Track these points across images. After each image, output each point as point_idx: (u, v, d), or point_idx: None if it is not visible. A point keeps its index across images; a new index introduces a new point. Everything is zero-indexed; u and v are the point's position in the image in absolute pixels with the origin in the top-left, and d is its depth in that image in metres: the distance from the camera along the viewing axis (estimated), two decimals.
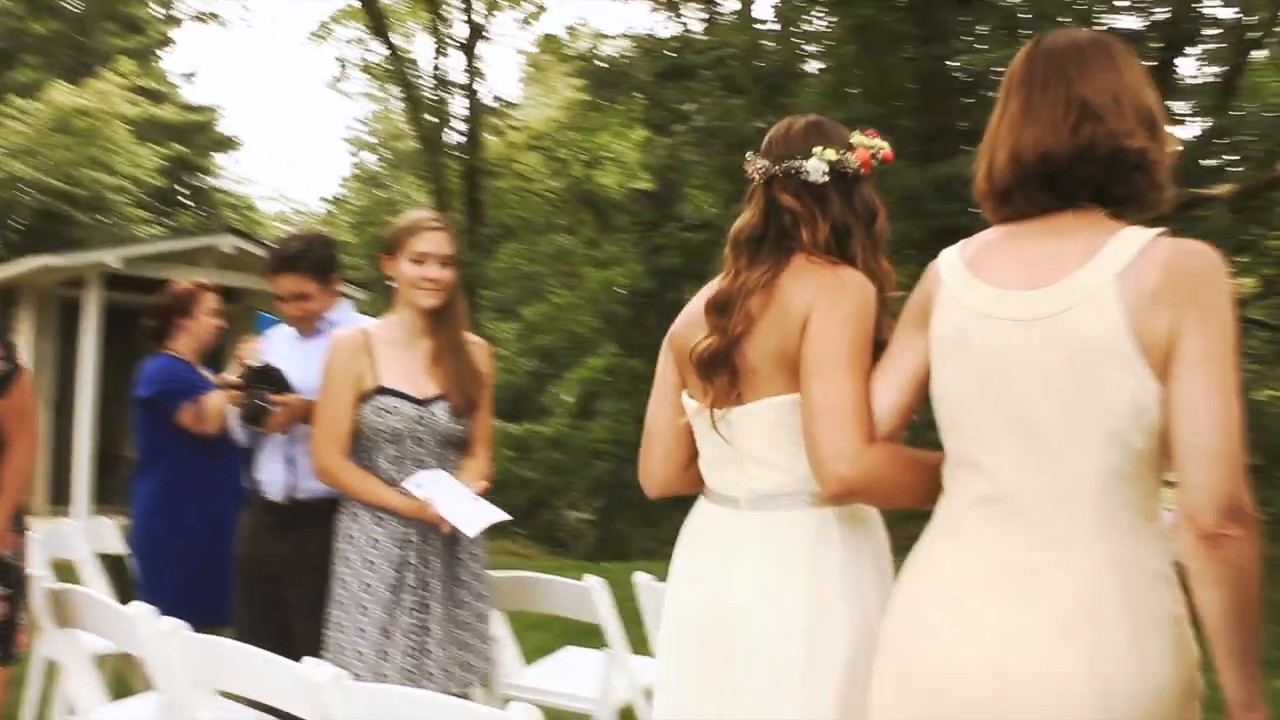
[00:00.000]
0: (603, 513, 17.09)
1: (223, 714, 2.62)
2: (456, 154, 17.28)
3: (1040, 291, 1.57)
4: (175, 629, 2.55)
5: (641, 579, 3.43)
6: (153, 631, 2.57)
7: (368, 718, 2.21)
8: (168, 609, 2.71)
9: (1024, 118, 1.64)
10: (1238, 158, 9.36)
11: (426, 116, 17.68)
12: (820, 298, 1.87)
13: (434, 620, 2.92)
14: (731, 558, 1.96)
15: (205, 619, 3.09)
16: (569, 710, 3.71)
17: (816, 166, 1.95)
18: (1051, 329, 1.55)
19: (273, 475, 3.26)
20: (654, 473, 2.17)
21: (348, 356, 2.92)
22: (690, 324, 2.06)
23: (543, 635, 5.26)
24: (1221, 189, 6.06)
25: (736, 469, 1.99)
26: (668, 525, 18.17)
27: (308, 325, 3.38)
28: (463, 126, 17.89)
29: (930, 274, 1.76)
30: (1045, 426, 1.56)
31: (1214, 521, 1.45)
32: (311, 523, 3.18)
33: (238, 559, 3.35)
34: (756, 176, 2.02)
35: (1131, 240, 1.53)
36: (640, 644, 3.95)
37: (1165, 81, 9.28)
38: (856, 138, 2.00)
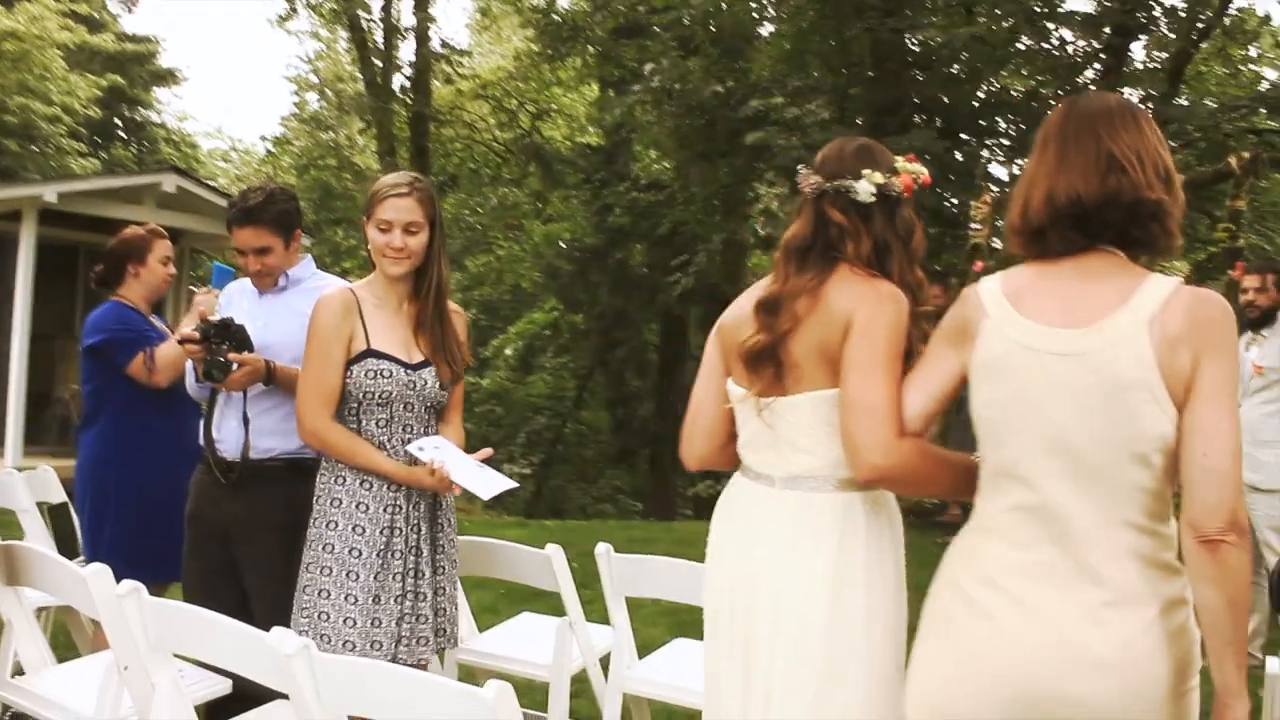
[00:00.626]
0: (540, 468, 17.12)
1: (179, 676, 2.58)
2: (404, 99, 16.97)
3: (1079, 330, 1.80)
4: (132, 591, 2.50)
5: (601, 549, 3.45)
6: (109, 594, 2.51)
7: (334, 689, 2.20)
8: (111, 561, 2.67)
9: (1059, 166, 1.86)
10: (1174, 145, 9.55)
11: (374, 60, 17.32)
12: (862, 306, 2.10)
13: (425, 585, 2.93)
14: (765, 529, 2.19)
15: (150, 574, 3.03)
16: (523, 676, 3.73)
17: (865, 188, 2.18)
18: (1090, 364, 1.78)
19: (228, 434, 3.20)
20: (696, 448, 2.39)
21: (339, 317, 2.86)
22: (739, 319, 2.28)
23: (482, 595, 5.28)
24: None
25: (774, 451, 2.20)
26: (604, 482, 18.25)
27: (268, 280, 3.31)
28: (410, 72, 17.59)
29: (970, 301, 1.96)
30: (1082, 447, 1.79)
31: (1216, 531, 1.69)
32: (266, 483, 3.16)
33: (188, 516, 3.29)
34: (809, 191, 2.23)
35: (1159, 288, 1.78)
36: (590, 609, 3.99)
37: (1117, 68, 9.40)
38: (900, 164, 2.23)
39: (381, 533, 2.86)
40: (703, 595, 2.37)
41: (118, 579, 2.53)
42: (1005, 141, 9.17)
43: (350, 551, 2.83)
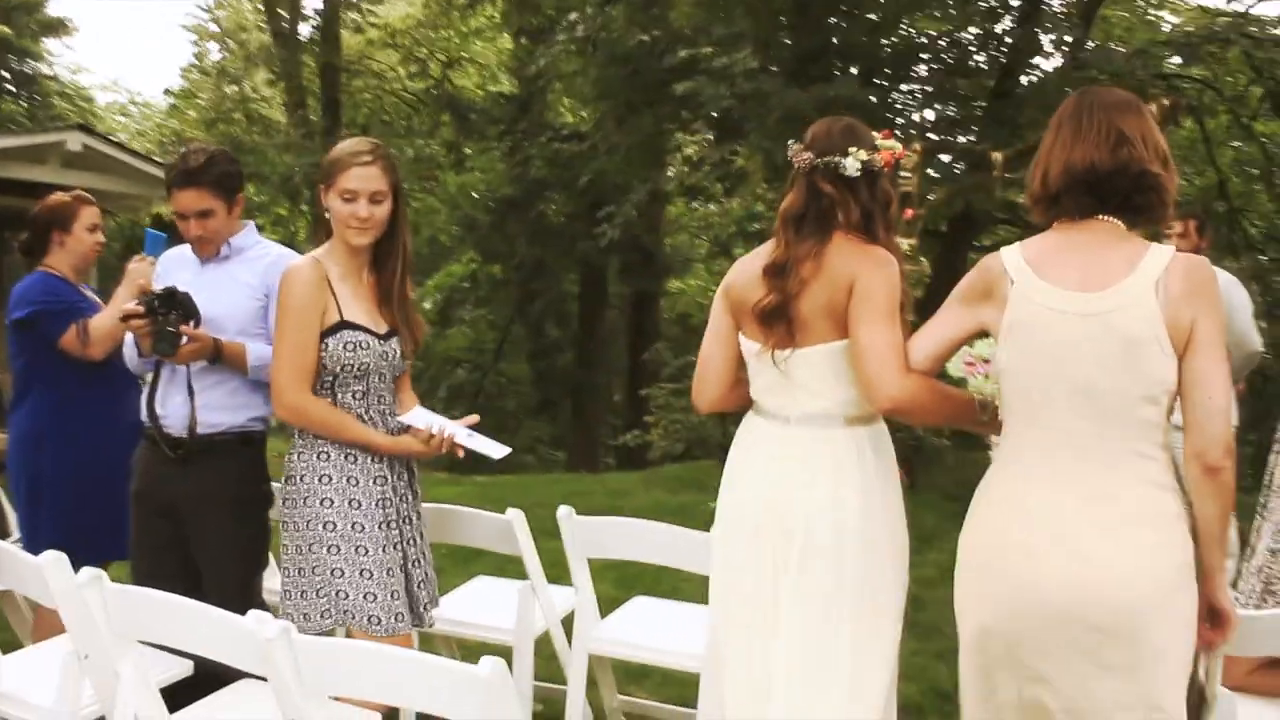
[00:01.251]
0: None
1: (144, 661, 2.51)
2: (312, 49, 16.44)
3: (1096, 294, 2.13)
4: (93, 580, 2.41)
5: (563, 511, 3.43)
6: (69, 584, 2.42)
7: (318, 671, 2.15)
8: (50, 541, 2.60)
9: (1074, 140, 2.18)
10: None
11: (280, 9, 16.71)
12: (863, 269, 2.43)
13: (416, 552, 2.93)
14: (788, 460, 2.52)
15: (90, 553, 2.93)
16: (483, 641, 3.71)
17: (852, 164, 2.49)
18: (1108, 323, 2.11)
19: (174, 409, 3.09)
20: (708, 393, 2.72)
21: (314, 288, 2.77)
22: (745, 280, 2.60)
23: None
24: None
25: (788, 395, 2.54)
26: (525, 434, 18.19)
27: (209, 247, 3.19)
28: (318, 21, 17.03)
29: (994, 268, 2.27)
30: (1102, 392, 2.12)
31: (1217, 459, 2.08)
32: (216, 458, 3.08)
33: (134, 494, 3.19)
34: (801, 165, 2.53)
35: (1160, 256, 2.12)
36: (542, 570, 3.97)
37: (1033, 13, 9.51)
38: (879, 141, 2.54)
39: (376, 505, 2.81)
40: (720, 512, 2.70)
41: None
42: (927, 88, 9.23)
43: (354, 527, 2.77)
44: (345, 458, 2.79)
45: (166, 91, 21.17)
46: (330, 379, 2.80)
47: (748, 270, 2.61)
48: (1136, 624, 2.08)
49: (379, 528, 2.79)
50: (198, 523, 3.08)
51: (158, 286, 3.05)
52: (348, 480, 2.78)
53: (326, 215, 2.84)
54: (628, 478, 9.30)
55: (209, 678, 2.72)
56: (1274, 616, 2.78)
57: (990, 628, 2.22)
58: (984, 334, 2.38)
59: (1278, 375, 7.33)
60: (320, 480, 2.79)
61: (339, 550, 2.76)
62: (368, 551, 2.77)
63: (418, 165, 15.66)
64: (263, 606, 3.12)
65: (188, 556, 3.10)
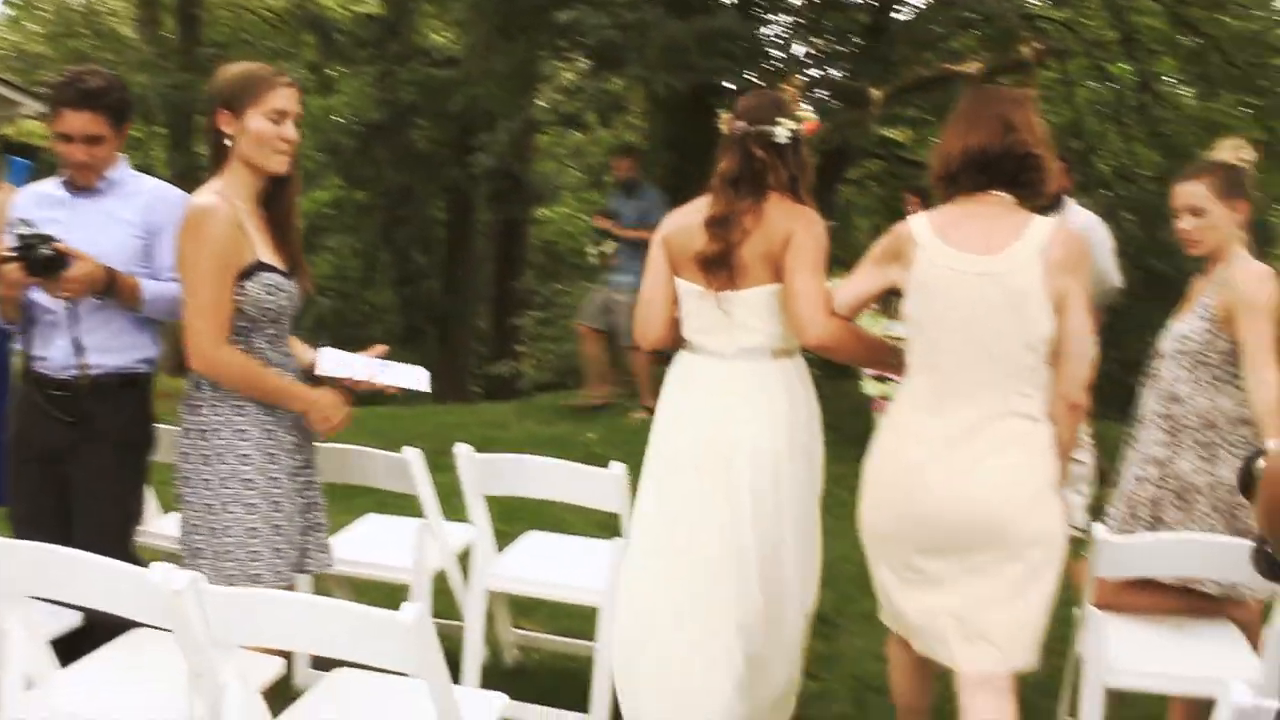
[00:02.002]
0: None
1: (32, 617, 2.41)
2: None
3: (990, 257, 2.53)
4: None
5: (461, 449, 3.41)
6: None
7: (229, 622, 2.10)
8: None
9: (970, 129, 2.61)
10: (945, 32, 9.97)
11: None
12: (798, 224, 2.82)
13: (315, 494, 2.87)
14: (725, 388, 2.88)
15: None
16: (380, 580, 3.67)
17: (782, 132, 2.84)
18: (998, 282, 2.52)
19: (56, 351, 2.94)
20: (651, 332, 3.06)
21: (230, 229, 2.58)
22: (681, 230, 2.96)
23: None
24: (970, 66, 6.42)
25: (726, 333, 2.89)
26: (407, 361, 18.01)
27: (89, 176, 3.00)
28: None
29: (903, 234, 2.67)
30: (991, 340, 2.54)
31: (1078, 396, 2.57)
32: (100, 401, 2.96)
33: (12, 440, 3.04)
34: (735, 133, 2.88)
35: (1043, 227, 2.56)
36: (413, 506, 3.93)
37: None
38: (800, 112, 2.90)
39: (289, 454, 2.72)
40: (658, 447, 3.01)
41: None
42: (801, 21, 9.25)
43: (272, 482, 2.67)
44: (262, 410, 2.68)
45: (5, 2, 19.69)
46: (247, 325, 2.66)
47: (684, 222, 2.97)
48: (1006, 530, 2.54)
49: (289, 478, 2.71)
50: (79, 467, 2.96)
51: (16, 219, 2.85)
52: (265, 433, 2.68)
53: (228, 142, 2.65)
54: (501, 409, 9.25)
55: (100, 627, 2.65)
56: (1138, 541, 2.97)
57: (886, 533, 2.68)
58: (895, 293, 2.76)
59: (1126, 309, 7.71)
60: (237, 435, 2.66)
61: (258, 509, 2.65)
62: (280, 507, 2.69)
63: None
64: (135, 556, 3.04)
65: (64, 502, 2.98)
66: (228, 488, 2.64)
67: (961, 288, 2.53)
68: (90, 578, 2.22)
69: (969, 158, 2.58)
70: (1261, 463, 1.52)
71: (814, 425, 3.00)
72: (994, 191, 2.60)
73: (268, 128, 2.63)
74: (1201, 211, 3.10)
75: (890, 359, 2.88)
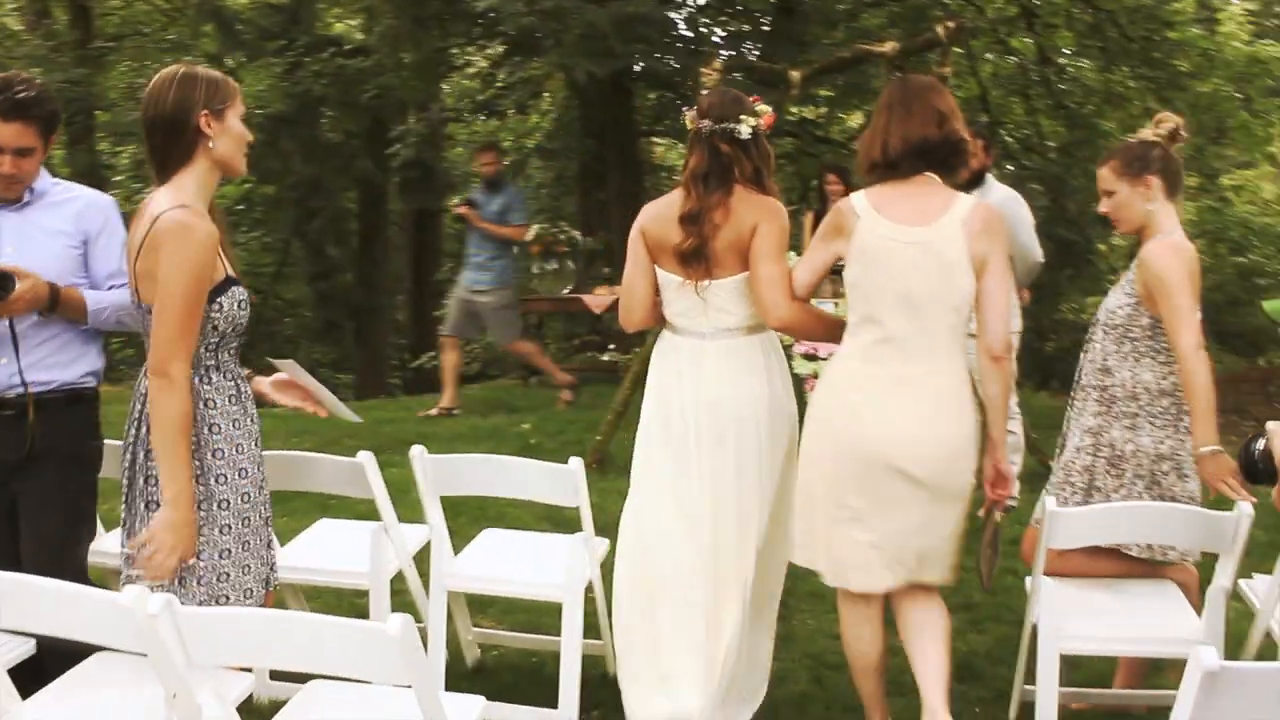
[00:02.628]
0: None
1: None
2: None
3: (921, 229, 2.87)
4: None
5: (416, 450, 3.38)
6: None
7: (206, 644, 2.07)
8: None
9: (906, 118, 2.89)
10: (852, 9, 10.07)
11: None
12: (762, 216, 3.07)
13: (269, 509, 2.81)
14: (707, 365, 3.14)
15: None
16: (334, 586, 3.63)
17: (745, 129, 3.06)
18: (929, 250, 2.86)
19: None
20: (635, 316, 3.30)
21: (213, 246, 2.51)
22: (659, 222, 3.17)
23: None
24: (886, 46, 6.50)
25: (704, 316, 3.15)
26: (304, 357, 17.57)
27: (16, 189, 2.91)
28: None
29: (845, 209, 2.97)
30: (921, 301, 2.87)
31: (999, 350, 2.88)
32: (46, 416, 2.88)
33: None
34: (701, 131, 3.08)
35: (966, 202, 2.91)
36: (364, 510, 3.88)
37: None
38: (759, 108, 3.13)
39: (259, 466, 2.68)
40: (649, 418, 3.24)
41: None
42: (714, 3, 9.29)
43: (244, 499, 2.63)
44: (233, 425, 2.62)
45: None
46: (217, 340, 2.60)
47: (660, 216, 3.18)
48: (930, 472, 2.86)
49: (259, 490, 2.67)
50: (26, 483, 2.90)
51: None
52: (238, 450, 2.63)
53: (211, 145, 2.55)
54: (432, 401, 9.16)
55: (51, 654, 2.59)
56: (1088, 512, 3.07)
57: (815, 465, 2.98)
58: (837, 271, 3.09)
59: (1036, 279, 7.91)
60: (213, 455, 2.60)
61: (230, 529, 2.61)
62: (250, 522, 2.65)
63: None
64: (85, 573, 2.98)
65: (15, 524, 2.93)
66: (204, 509, 2.57)
67: (897, 255, 2.86)
68: (56, 604, 2.16)
69: (909, 146, 2.87)
70: (1261, 444, 1.58)
71: (788, 389, 3.27)
72: (926, 174, 2.92)
73: (244, 129, 2.60)
74: (1111, 193, 3.30)
75: (841, 334, 3.10)
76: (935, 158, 2.90)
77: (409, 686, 2.02)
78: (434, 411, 8.09)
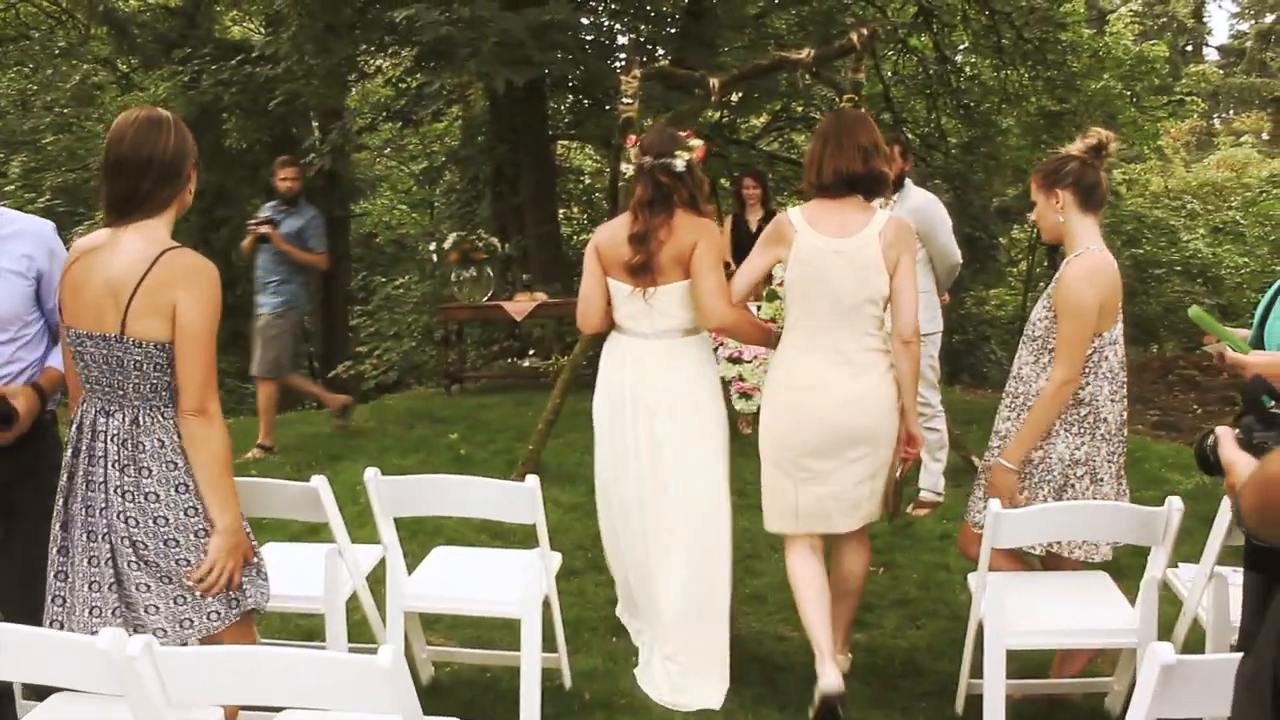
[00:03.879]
0: None
1: None
2: None
3: (845, 240, 3.44)
4: None
5: (370, 474, 3.37)
6: None
7: (189, 684, 2.06)
8: None
9: (839, 153, 3.45)
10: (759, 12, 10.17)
11: None
12: (701, 235, 3.61)
13: None
14: (649, 361, 3.70)
15: None
16: (291, 611, 3.59)
17: (679, 163, 3.62)
18: (853, 257, 3.42)
19: None
20: (592, 321, 3.84)
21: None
22: (612, 244, 3.71)
23: None
24: (802, 53, 6.63)
25: (648, 319, 3.70)
26: (227, 365, 17.16)
27: None
28: None
29: (784, 222, 3.53)
30: (846, 298, 3.43)
31: (908, 335, 3.44)
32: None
33: None
34: (643, 165, 3.64)
35: (881, 218, 3.48)
36: (298, 530, 3.83)
37: None
38: (691, 142, 3.70)
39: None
40: (597, 409, 3.82)
41: None
42: (629, 10, 9.33)
43: (200, 536, 2.63)
44: (187, 465, 2.62)
45: None
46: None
47: (612, 236, 3.73)
48: (871, 432, 3.48)
49: (206, 526, 2.65)
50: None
51: None
52: (190, 490, 2.62)
53: (190, 195, 2.67)
54: (355, 413, 9.04)
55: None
56: (1029, 513, 3.20)
57: (782, 440, 3.53)
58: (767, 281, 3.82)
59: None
60: (178, 490, 2.60)
61: (189, 564, 2.61)
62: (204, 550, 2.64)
63: (82, 89, 14.09)
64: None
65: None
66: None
67: (827, 261, 3.42)
68: (29, 650, 2.12)
69: (839, 176, 3.44)
70: (1212, 440, 1.70)
71: (717, 384, 3.83)
72: (851, 196, 3.48)
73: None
74: (1033, 205, 3.53)
75: (770, 339, 3.82)
76: (859, 188, 3.46)
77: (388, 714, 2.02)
78: (250, 454, 7.06)
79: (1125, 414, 3.44)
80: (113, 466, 2.55)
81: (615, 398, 3.76)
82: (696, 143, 3.71)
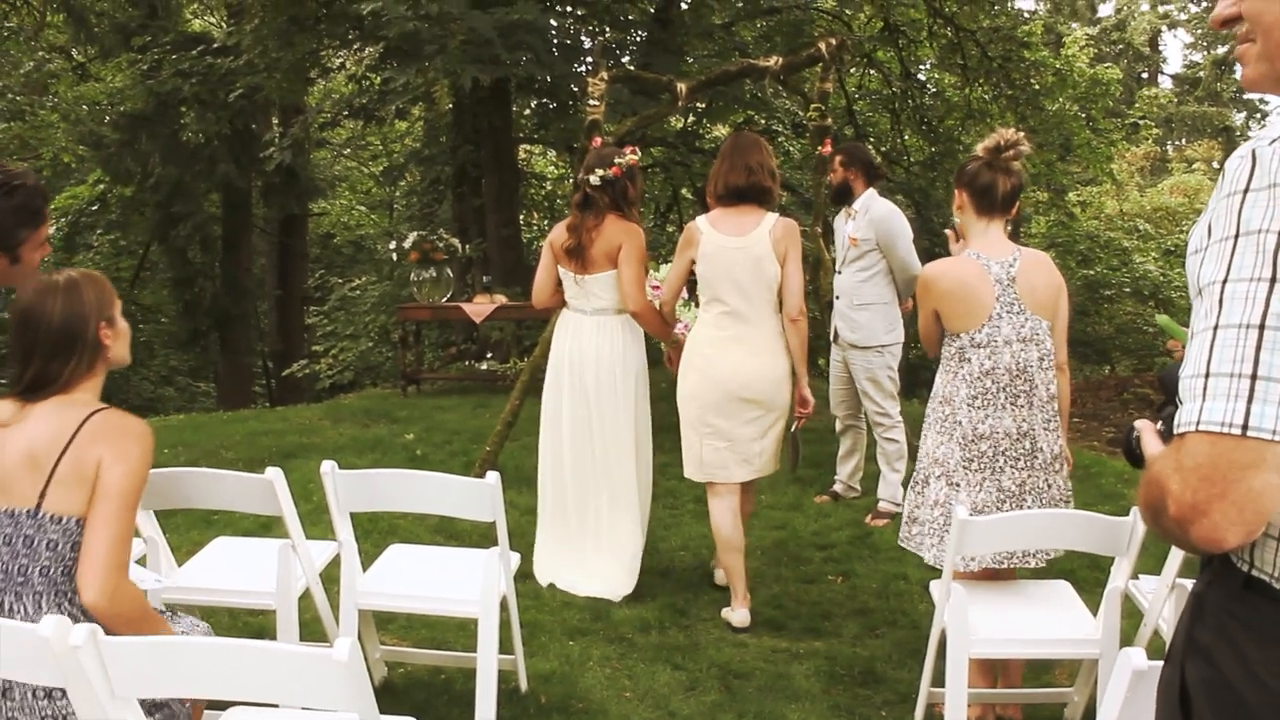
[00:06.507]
0: None
1: None
2: None
3: (741, 238, 4.17)
4: None
5: (326, 467, 3.28)
6: None
7: (133, 675, 1.98)
8: None
9: (730, 170, 4.21)
10: (727, 21, 10.15)
11: None
12: (625, 236, 4.48)
13: None
14: (584, 335, 4.62)
15: None
16: (235, 606, 3.50)
17: (595, 179, 4.48)
18: (748, 252, 4.16)
19: None
20: (543, 298, 4.71)
21: None
22: (560, 235, 4.59)
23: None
24: (771, 61, 6.62)
25: (585, 299, 4.62)
26: (159, 364, 16.80)
27: None
28: None
29: (693, 228, 4.30)
30: (746, 285, 4.18)
31: (795, 314, 4.19)
32: None
33: None
34: (580, 177, 4.61)
35: (771, 219, 4.20)
36: (249, 525, 3.73)
37: None
38: (620, 159, 4.53)
39: None
40: (552, 370, 4.70)
41: None
42: (596, 15, 9.29)
43: None
44: None
45: None
46: None
47: (562, 231, 4.60)
48: (766, 395, 4.19)
49: None
50: None
51: None
52: None
53: (110, 354, 2.46)
54: (309, 412, 8.92)
55: None
56: (991, 520, 3.18)
57: (690, 394, 4.28)
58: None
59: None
60: None
61: None
62: None
63: (42, 77, 13.80)
64: None
65: None
66: None
67: (727, 256, 4.17)
68: None
69: (729, 189, 4.23)
70: (1135, 434, 1.68)
71: (642, 356, 4.71)
72: (745, 204, 4.21)
73: (124, 321, 2.50)
74: None
75: (667, 332, 4.66)
76: (747, 198, 4.21)
77: (342, 711, 1.95)
78: None
79: (994, 430, 3.36)
80: None
81: (559, 357, 4.71)
82: (632, 157, 4.60)
